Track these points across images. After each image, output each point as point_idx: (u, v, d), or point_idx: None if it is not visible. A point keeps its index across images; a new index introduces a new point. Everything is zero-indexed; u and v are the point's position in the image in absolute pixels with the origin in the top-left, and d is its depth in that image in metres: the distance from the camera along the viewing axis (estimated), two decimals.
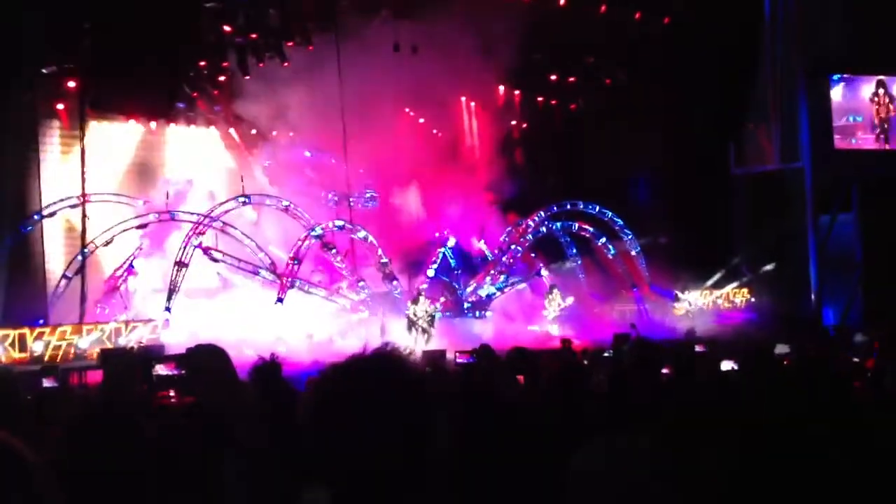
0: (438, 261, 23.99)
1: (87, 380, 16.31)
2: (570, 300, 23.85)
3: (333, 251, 22.36)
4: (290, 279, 21.36)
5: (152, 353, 16.39)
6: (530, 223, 25.24)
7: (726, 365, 6.62)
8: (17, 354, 17.49)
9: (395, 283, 22.87)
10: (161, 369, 12.04)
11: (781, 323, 22.25)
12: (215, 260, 21.38)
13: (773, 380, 4.38)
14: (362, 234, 22.86)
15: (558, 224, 25.54)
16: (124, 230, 21.15)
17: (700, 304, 25.39)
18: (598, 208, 25.61)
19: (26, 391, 10.58)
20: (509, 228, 25.37)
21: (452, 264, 24.54)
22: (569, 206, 25.62)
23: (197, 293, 21.44)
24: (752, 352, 4.59)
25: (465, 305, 23.89)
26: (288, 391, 5.36)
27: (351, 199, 23.67)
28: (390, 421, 1.79)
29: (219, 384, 4.51)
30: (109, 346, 18.57)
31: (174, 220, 21.61)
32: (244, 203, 22.15)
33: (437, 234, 24.42)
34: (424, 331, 21.03)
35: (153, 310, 20.39)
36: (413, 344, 20.09)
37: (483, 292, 24.32)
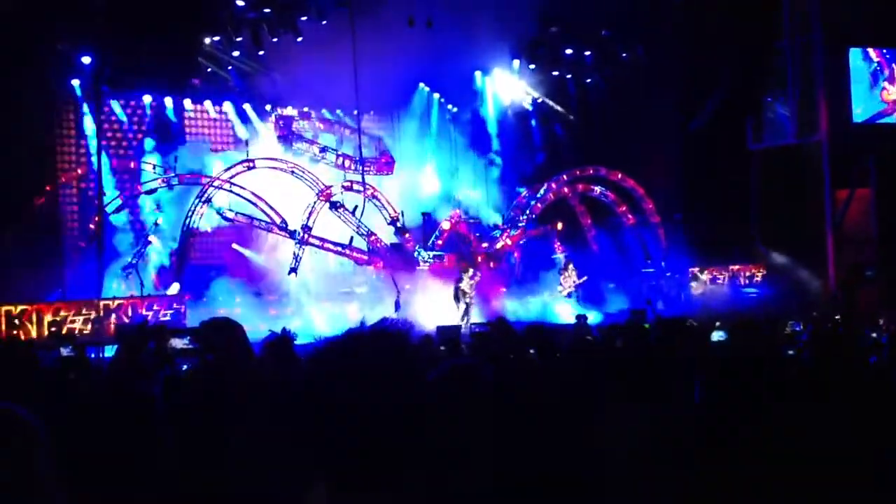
0: (453, 219, 24.05)
1: (104, 354, 16.48)
2: (584, 277, 23.81)
3: (342, 209, 22.42)
4: (302, 237, 21.50)
5: (167, 327, 16.48)
6: (552, 185, 25.25)
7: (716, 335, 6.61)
8: (35, 330, 17.62)
9: (406, 235, 22.93)
10: (176, 343, 12.13)
11: (796, 299, 22.15)
12: (229, 220, 21.49)
13: (763, 350, 4.36)
14: (370, 191, 22.92)
15: (579, 187, 25.55)
16: (133, 196, 21.24)
17: (717, 281, 25.29)
18: (620, 175, 25.58)
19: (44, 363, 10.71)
20: (525, 192, 25.35)
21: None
22: (591, 172, 25.60)
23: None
24: (741, 322, 4.56)
25: (478, 258, 23.88)
26: (300, 365, 5.37)
27: (365, 165, 23.71)
28: (385, 397, 1.77)
29: (233, 357, 4.53)
30: (126, 320, 18.72)
31: (182, 185, 21.71)
32: (249, 168, 22.17)
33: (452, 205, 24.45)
34: (467, 304, 21.20)
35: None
36: (458, 316, 20.26)
37: (498, 245, 24.37)
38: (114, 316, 19.06)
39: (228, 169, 22.03)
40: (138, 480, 2.62)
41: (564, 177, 25.48)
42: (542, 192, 25.31)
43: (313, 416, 1.79)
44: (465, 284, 21.39)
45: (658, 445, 3.27)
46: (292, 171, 22.71)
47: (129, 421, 2.96)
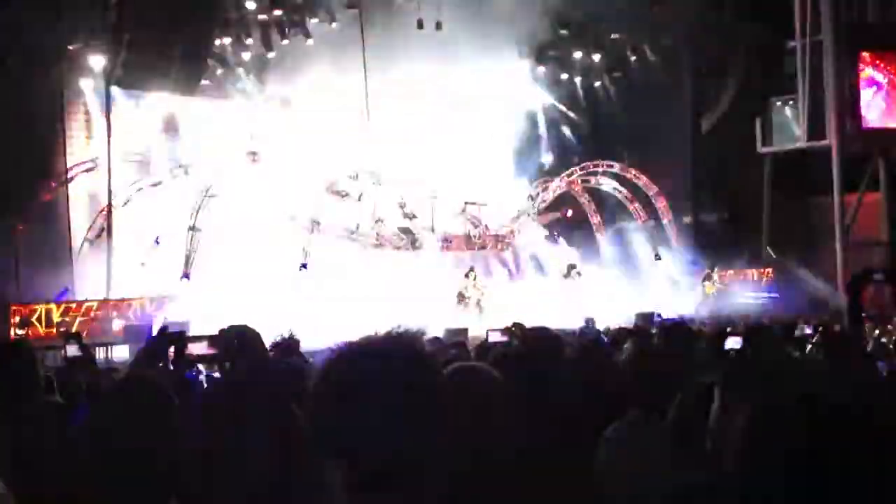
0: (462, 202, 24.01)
1: (112, 355, 16.52)
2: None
3: (347, 196, 22.32)
4: (311, 226, 21.41)
5: (185, 333, 16.50)
6: (564, 178, 25.07)
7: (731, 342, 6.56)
8: (43, 329, 17.68)
9: (414, 219, 22.85)
10: (193, 349, 11.94)
11: (806, 303, 22.05)
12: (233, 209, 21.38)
13: (778, 356, 4.33)
14: (376, 179, 22.89)
15: (593, 180, 25.41)
16: (140, 189, 21.25)
17: (725, 284, 25.17)
18: (633, 172, 25.49)
19: (51, 363, 10.75)
20: (536, 183, 25.15)
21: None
22: (604, 167, 25.51)
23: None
24: (755, 328, 4.52)
25: (487, 242, 23.83)
26: (304, 368, 5.39)
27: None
28: (398, 405, 1.79)
29: (250, 363, 4.58)
30: (135, 321, 18.78)
31: (187, 175, 21.66)
32: (254, 160, 21.98)
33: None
34: (477, 304, 21.26)
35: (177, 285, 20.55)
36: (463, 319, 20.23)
37: (506, 230, 24.26)
38: (123, 316, 19.16)
39: (232, 162, 21.81)
40: (155, 480, 2.64)
41: (577, 170, 25.23)
42: (554, 183, 25.12)
43: (328, 419, 1.82)
44: (465, 287, 21.45)
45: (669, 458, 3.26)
46: (294, 162, 22.60)
47: (149, 421, 2.98)
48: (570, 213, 25.07)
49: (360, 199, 22.54)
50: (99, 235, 20.75)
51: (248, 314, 18.15)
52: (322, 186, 22.21)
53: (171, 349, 4.81)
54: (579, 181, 25.24)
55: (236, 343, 4.78)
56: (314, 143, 23.67)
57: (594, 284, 23.90)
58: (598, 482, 3.38)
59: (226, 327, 4.99)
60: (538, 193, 25.21)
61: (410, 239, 22.64)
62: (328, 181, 22.25)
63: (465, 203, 23.89)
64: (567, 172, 25.24)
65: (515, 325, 9.75)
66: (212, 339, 5.42)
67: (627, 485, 3.39)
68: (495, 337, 12.95)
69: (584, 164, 25.29)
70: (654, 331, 9.23)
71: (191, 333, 17.31)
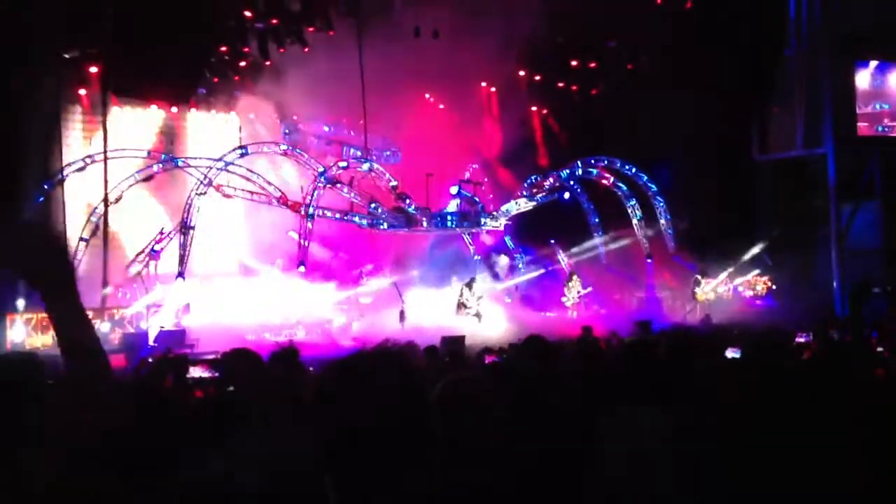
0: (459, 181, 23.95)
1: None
2: (589, 288, 23.79)
3: (339, 185, 22.28)
4: (305, 207, 21.33)
5: (187, 358, 16.51)
6: (565, 170, 25.02)
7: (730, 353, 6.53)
8: (40, 338, 17.66)
9: (407, 200, 22.78)
10: (194, 371, 11.79)
11: (802, 311, 22.02)
12: (228, 196, 21.33)
13: (779, 367, 4.33)
14: (367, 165, 22.87)
15: (594, 171, 25.21)
16: (131, 185, 21.21)
17: (719, 292, 25.15)
18: (634, 170, 25.32)
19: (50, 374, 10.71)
20: (535, 176, 25.03)
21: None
22: (605, 162, 25.36)
23: (217, 278, 21.57)
24: (757, 338, 4.51)
25: (482, 219, 23.84)
26: (305, 376, 5.40)
27: (371, 153, 23.64)
28: (389, 418, 1.84)
29: (251, 385, 4.62)
30: (132, 329, 18.77)
31: (179, 168, 21.60)
32: (242, 155, 21.89)
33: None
34: (476, 314, 21.42)
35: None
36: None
37: (504, 207, 24.26)
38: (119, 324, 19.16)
39: (223, 157, 21.78)
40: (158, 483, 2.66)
41: (578, 163, 25.14)
42: (554, 173, 25.06)
43: (321, 433, 1.87)
44: (465, 298, 21.59)
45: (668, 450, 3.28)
46: (285, 153, 22.58)
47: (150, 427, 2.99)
48: (567, 195, 24.88)
49: (351, 184, 22.52)
50: (94, 234, 20.71)
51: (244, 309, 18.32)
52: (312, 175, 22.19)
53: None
54: (579, 172, 25.11)
55: (238, 367, 4.84)
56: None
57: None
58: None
59: (228, 351, 5.07)
60: (540, 181, 25.01)
61: (405, 220, 22.65)
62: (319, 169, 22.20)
63: (461, 181, 23.86)
64: (569, 165, 25.05)
65: (510, 346, 10.02)
66: (214, 363, 5.52)
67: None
68: (490, 359, 12.85)
69: (585, 159, 25.10)
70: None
71: (187, 339, 17.34)
